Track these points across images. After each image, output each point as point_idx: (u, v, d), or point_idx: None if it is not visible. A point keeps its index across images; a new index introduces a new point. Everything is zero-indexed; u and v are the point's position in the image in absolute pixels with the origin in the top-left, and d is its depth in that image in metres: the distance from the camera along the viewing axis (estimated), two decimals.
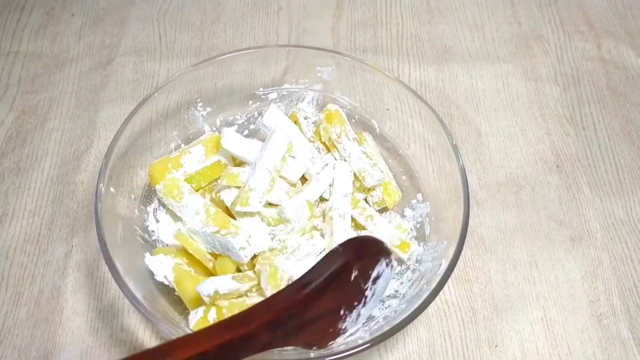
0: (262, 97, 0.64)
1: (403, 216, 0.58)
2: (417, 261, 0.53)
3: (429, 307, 0.45)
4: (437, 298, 0.51)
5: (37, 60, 0.75)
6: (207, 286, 0.46)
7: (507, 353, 0.54)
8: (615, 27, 0.83)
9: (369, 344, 0.42)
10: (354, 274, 0.44)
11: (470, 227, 0.50)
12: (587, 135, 0.71)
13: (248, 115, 0.64)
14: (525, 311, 0.56)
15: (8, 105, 0.70)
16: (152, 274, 0.50)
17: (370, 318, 0.50)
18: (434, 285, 0.46)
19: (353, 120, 0.63)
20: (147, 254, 0.50)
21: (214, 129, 0.63)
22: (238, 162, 0.57)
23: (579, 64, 0.78)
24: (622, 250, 0.61)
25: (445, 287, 0.55)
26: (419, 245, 0.55)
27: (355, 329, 0.47)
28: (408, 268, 0.54)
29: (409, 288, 0.51)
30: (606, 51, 0.80)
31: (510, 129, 0.70)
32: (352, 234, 0.55)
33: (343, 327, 0.46)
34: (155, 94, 0.56)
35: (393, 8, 0.84)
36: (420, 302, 0.45)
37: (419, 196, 0.58)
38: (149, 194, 0.56)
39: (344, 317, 0.45)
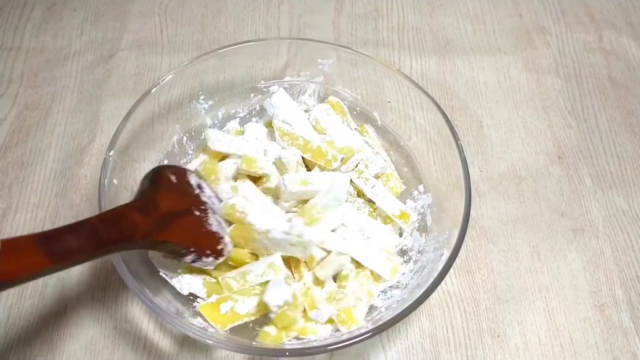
0: (264, 90, 0.64)
1: None
2: (419, 252, 0.54)
3: (431, 298, 0.45)
4: (439, 289, 0.51)
5: (40, 55, 0.75)
6: (276, 297, 0.47)
7: (509, 343, 0.54)
8: (616, 18, 0.82)
9: (370, 333, 0.43)
10: (172, 177, 0.50)
11: (472, 218, 0.50)
12: (589, 127, 0.71)
13: (250, 108, 0.64)
14: (527, 302, 0.57)
15: (11, 100, 0.70)
16: (155, 265, 0.51)
17: (373, 308, 0.51)
18: (435, 275, 0.46)
19: (354, 113, 0.63)
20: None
21: (216, 121, 0.63)
22: (222, 157, 0.58)
23: (581, 56, 0.78)
24: (623, 241, 0.61)
25: (448, 278, 0.56)
26: (421, 236, 0.55)
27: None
28: (410, 258, 0.54)
29: (411, 278, 0.51)
30: (608, 43, 0.79)
31: (512, 121, 0.71)
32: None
33: (213, 230, 0.50)
34: (157, 88, 0.56)
35: (394, 0, 0.84)
36: (422, 292, 0.45)
37: (421, 187, 0.58)
38: None
39: (203, 219, 0.50)
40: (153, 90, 0.56)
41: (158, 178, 0.49)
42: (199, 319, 0.48)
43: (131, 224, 0.44)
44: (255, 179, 0.56)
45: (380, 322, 0.44)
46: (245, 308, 0.49)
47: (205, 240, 0.49)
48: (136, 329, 0.53)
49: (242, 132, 0.61)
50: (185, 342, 0.53)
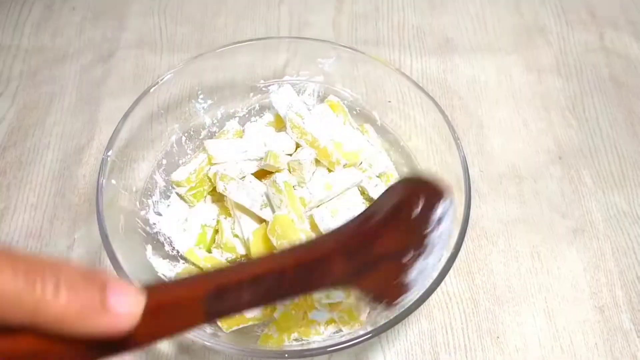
0: (263, 89, 0.64)
1: None
2: None
3: (430, 299, 0.45)
4: (439, 289, 0.51)
5: (38, 54, 0.75)
6: None
7: (508, 344, 0.54)
8: (618, 17, 0.82)
9: (370, 335, 0.43)
10: (416, 211, 0.37)
11: (472, 218, 0.50)
12: (590, 127, 0.70)
13: (249, 108, 0.64)
14: (527, 303, 0.56)
15: (9, 100, 0.70)
16: (153, 267, 0.50)
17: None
18: (435, 276, 0.46)
19: (354, 112, 0.63)
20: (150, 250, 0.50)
21: (215, 121, 0.63)
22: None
23: (582, 55, 0.77)
24: (624, 242, 0.61)
25: (447, 279, 0.55)
26: None
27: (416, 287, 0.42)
28: None
29: None
30: (609, 41, 0.79)
31: (512, 121, 0.70)
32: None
33: (407, 282, 0.39)
34: (156, 87, 0.56)
35: (394, 0, 0.83)
36: (421, 293, 0.45)
37: None
38: (150, 186, 0.56)
39: (407, 266, 0.38)
40: (152, 90, 0.56)
41: (398, 204, 0.37)
42: None
43: (326, 272, 0.34)
44: (262, 175, 0.56)
45: (379, 324, 0.44)
46: (252, 311, 0.49)
47: (392, 291, 0.39)
48: None
49: (242, 132, 0.60)
50: (183, 343, 0.53)
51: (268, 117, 0.62)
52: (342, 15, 0.81)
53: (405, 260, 0.38)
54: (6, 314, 0.23)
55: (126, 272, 0.44)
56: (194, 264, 0.53)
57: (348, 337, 0.43)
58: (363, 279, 0.37)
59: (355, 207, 0.53)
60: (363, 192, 0.56)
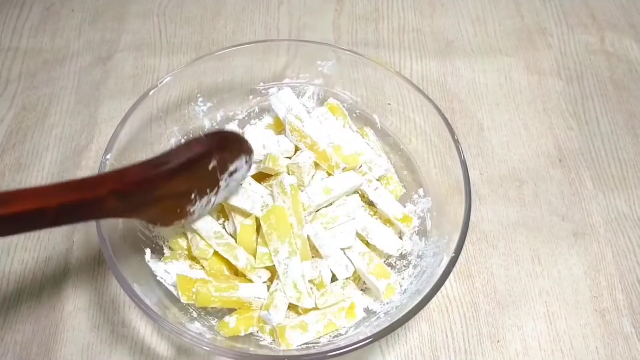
0: (263, 91, 0.64)
1: None
2: (418, 256, 0.53)
3: (430, 303, 0.45)
4: (439, 293, 0.51)
5: (37, 56, 0.75)
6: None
7: (509, 348, 0.54)
8: (618, 19, 0.82)
9: (370, 339, 0.42)
10: (213, 163, 0.45)
11: (472, 221, 0.49)
12: (590, 130, 0.70)
13: (248, 110, 0.64)
14: (528, 306, 0.56)
15: (8, 102, 0.70)
16: (152, 270, 0.50)
17: (372, 313, 0.50)
18: (435, 280, 0.45)
19: (354, 115, 0.63)
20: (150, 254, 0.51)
21: (214, 124, 0.62)
22: None
23: (582, 58, 0.77)
24: (625, 245, 0.61)
25: (447, 282, 0.55)
26: (421, 240, 0.54)
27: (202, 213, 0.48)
28: (409, 263, 0.53)
29: (411, 283, 0.51)
30: (610, 44, 0.79)
31: (513, 123, 0.70)
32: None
33: (191, 210, 0.46)
34: (155, 89, 0.56)
35: (394, 2, 0.83)
36: (421, 297, 0.45)
37: (421, 191, 0.58)
38: None
39: (194, 200, 0.45)
40: (151, 92, 0.55)
41: (198, 159, 0.44)
42: (197, 324, 0.48)
43: (95, 209, 0.38)
44: (260, 177, 0.56)
45: (379, 328, 0.44)
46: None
47: (170, 218, 0.45)
48: (133, 334, 0.53)
49: None
50: (182, 347, 0.53)
51: (267, 119, 0.62)
52: (342, 17, 0.81)
53: (193, 196, 0.45)
54: None
55: (125, 276, 0.44)
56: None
57: (348, 342, 0.43)
58: (140, 213, 0.42)
59: (355, 211, 0.53)
60: (363, 196, 0.56)
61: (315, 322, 0.48)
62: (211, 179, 0.46)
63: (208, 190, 0.47)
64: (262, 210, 0.51)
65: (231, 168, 0.48)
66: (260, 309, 0.49)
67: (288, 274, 0.48)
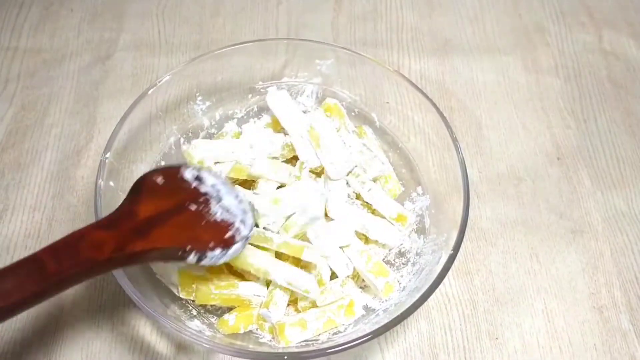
0: (262, 90, 0.64)
1: None
2: (417, 254, 0.53)
3: (429, 300, 0.45)
4: (438, 291, 0.51)
5: (37, 55, 0.75)
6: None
7: (507, 345, 0.54)
8: (616, 18, 0.82)
9: (369, 336, 0.43)
10: (159, 179, 0.46)
11: (470, 219, 0.50)
12: (588, 128, 0.70)
13: (247, 109, 0.64)
14: (526, 304, 0.56)
15: (7, 101, 0.70)
16: (152, 270, 0.50)
17: (371, 311, 0.51)
18: (434, 277, 0.46)
19: (352, 114, 0.63)
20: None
21: (214, 122, 0.63)
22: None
23: (580, 56, 0.78)
24: (623, 243, 0.61)
25: (446, 280, 0.55)
26: (419, 238, 0.55)
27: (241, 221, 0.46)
28: (408, 261, 0.54)
29: (409, 281, 0.51)
30: (607, 43, 0.79)
31: (511, 122, 0.70)
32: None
33: (217, 220, 0.45)
34: (155, 89, 0.56)
35: (393, 1, 0.83)
36: (420, 294, 0.45)
37: (419, 189, 0.58)
38: None
39: (203, 210, 0.45)
40: (150, 92, 0.56)
41: (140, 184, 0.45)
42: (196, 322, 0.48)
43: (92, 244, 0.39)
44: (247, 183, 0.56)
45: (378, 325, 0.44)
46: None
47: (206, 233, 0.44)
48: (133, 332, 0.53)
49: (240, 134, 0.60)
50: (182, 345, 0.53)
51: (266, 118, 0.62)
52: (341, 16, 0.81)
53: (195, 208, 0.45)
54: None
55: (124, 275, 0.44)
56: None
57: (347, 339, 0.43)
58: (152, 237, 0.42)
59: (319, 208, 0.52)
60: (358, 197, 0.56)
61: (315, 319, 0.48)
62: (182, 188, 0.46)
63: (201, 199, 0.46)
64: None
65: (187, 176, 0.47)
66: (260, 306, 0.49)
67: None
